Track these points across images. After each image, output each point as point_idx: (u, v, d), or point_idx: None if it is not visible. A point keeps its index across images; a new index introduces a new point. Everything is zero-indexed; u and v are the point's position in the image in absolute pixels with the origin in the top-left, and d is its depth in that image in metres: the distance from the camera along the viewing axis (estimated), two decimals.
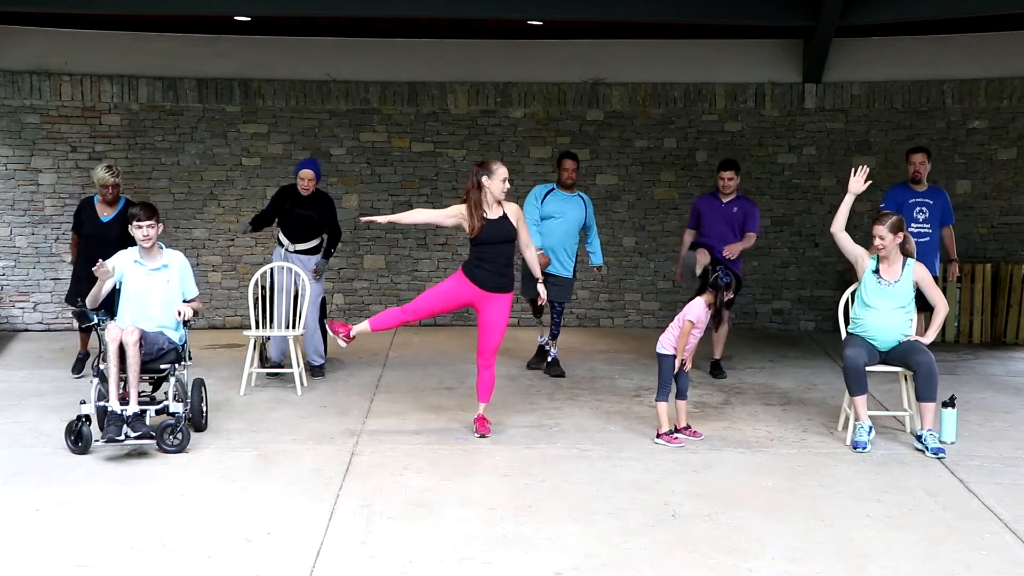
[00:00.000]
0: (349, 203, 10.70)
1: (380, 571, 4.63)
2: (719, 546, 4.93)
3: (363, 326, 6.75)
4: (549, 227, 8.44)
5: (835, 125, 10.68)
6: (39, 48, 10.28)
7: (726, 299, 6.67)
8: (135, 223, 6.64)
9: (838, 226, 6.77)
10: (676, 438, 6.59)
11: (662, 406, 6.62)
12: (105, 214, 8.25)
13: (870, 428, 6.48)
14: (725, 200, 8.62)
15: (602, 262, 9.01)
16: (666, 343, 6.66)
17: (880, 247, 6.63)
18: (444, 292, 6.74)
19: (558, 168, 8.66)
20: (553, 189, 8.56)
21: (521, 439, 6.70)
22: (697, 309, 6.62)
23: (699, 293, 6.79)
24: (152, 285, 6.66)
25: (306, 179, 8.32)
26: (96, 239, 8.09)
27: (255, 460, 6.22)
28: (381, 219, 6.79)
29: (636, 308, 10.96)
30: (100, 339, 6.59)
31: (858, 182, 6.77)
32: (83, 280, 8.19)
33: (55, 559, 4.71)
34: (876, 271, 6.69)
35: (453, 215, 6.74)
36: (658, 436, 6.62)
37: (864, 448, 6.39)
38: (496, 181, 6.59)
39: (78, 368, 8.41)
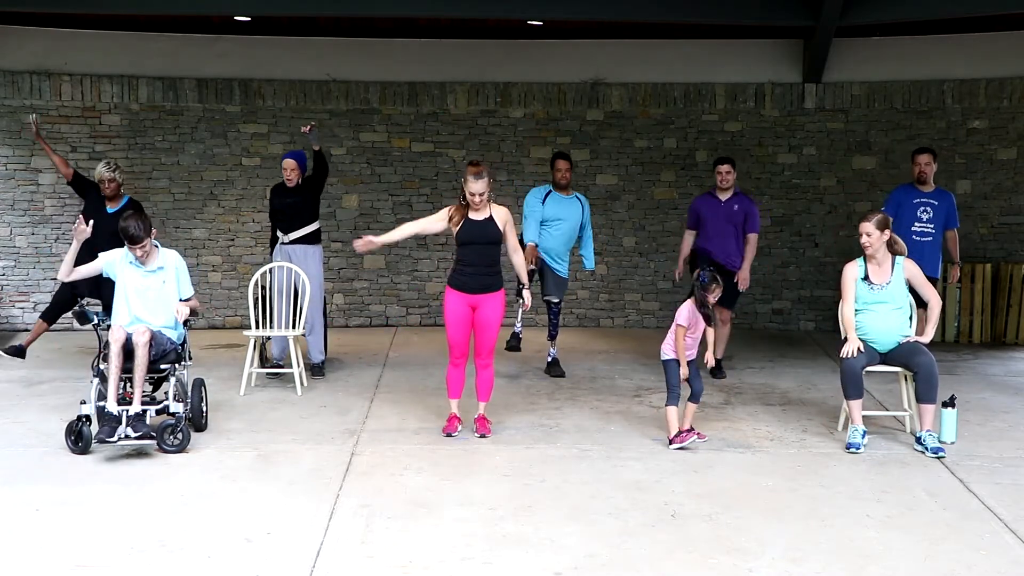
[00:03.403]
0: (349, 203, 10.71)
1: (380, 571, 4.63)
2: (719, 546, 4.93)
3: (453, 404, 6.80)
4: (550, 231, 8.38)
5: (835, 125, 10.68)
6: (39, 48, 10.29)
7: (711, 296, 6.56)
8: (129, 246, 6.53)
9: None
10: (684, 439, 6.59)
11: (671, 411, 6.56)
12: (110, 206, 8.27)
13: (864, 432, 6.44)
14: (724, 198, 8.58)
15: (594, 267, 8.96)
16: (666, 348, 6.65)
17: (867, 244, 6.60)
18: (454, 316, 6.67)
19: (552, 169, 8.56)
20: (551, 192, 8.47)
21: (521, 439, 6.70)
22: (685, 312, 6.59)
23: (691, 295, 6.76)
24: (149, 286, 6.64)
25: (288, 169, 8.31)
26: (97, 227, 8.05)
27: (255, 460, 6.22)
28: (377, 241, 6.71)
29: (636, 308, 10.96)
30: (100, 339, 6.59)
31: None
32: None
33: (55, 559, 4.71)
34: (865, 278, 6.66)
35: (440, 217, 6.72)
36: (671, 442, 6.55)
37: (857, 449, 6.37)
38: (466, 190, 6.59)
39: (17, 353, 8.28)
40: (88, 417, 6.26)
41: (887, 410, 7.31)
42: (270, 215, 8.62)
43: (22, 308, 10.49)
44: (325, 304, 8.93)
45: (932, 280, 7.79)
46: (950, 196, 8.59)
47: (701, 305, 6.56)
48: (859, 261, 6.73)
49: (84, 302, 7.50)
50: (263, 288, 8.33)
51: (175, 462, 6.13)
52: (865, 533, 5.12)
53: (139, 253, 6.55)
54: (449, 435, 6.68)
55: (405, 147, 10.73)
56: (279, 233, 8.43)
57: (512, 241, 6.82)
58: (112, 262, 6.71)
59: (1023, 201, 10.67)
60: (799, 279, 10.85)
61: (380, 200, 10.78)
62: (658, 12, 9.32)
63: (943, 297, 7.01)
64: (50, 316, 8.38)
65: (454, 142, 10.73)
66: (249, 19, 9.93)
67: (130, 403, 6.28)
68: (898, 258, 6.70)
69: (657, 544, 4.96)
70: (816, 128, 10.69)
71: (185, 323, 6.73)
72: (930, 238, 8.32)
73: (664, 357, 6.65)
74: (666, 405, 6.61)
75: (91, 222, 6.89)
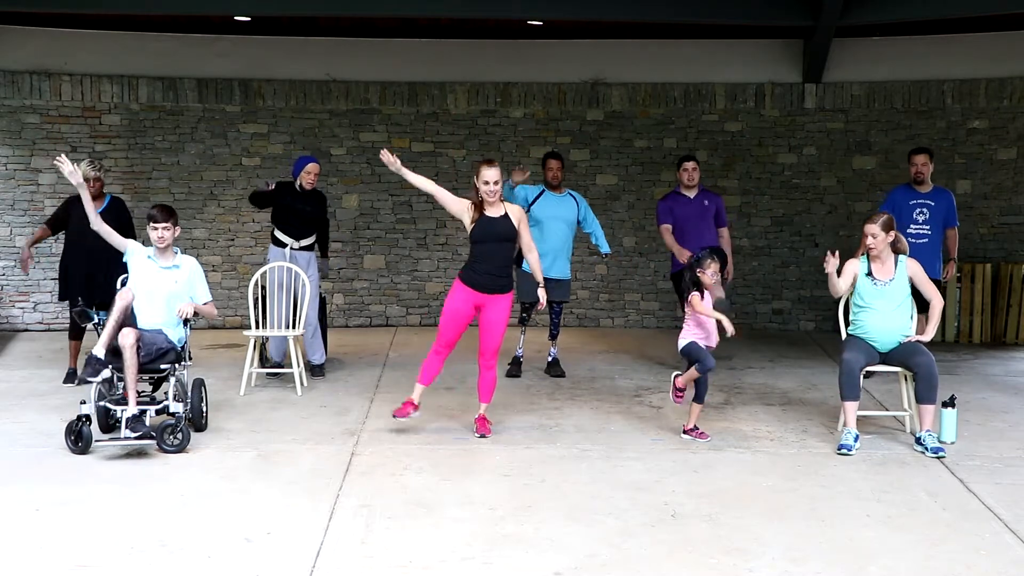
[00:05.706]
0: (349, 203, 10.72)
1: (380, 571, 4.63)
2: (719, 546, 4.93)
3: (417, 390, 6.78)
4: (546, 230, 8.37)
5: (835, 125, 10.68)
6: (39, 48, 10.29)
7: (708, 272, 6.61)
8: (151, 224, 6.72)
9: (836, 290, 6.72)
10: (702, 434, 6.65)
11: (696, 407, 6.69)
12: (95, 207, 8.22)
13: (856, 436, 6.40)
14: (692, 195, 8.64)
15: (609, 249, 8.89)
16: (686, 334, 6.68)
17: (872, 246, 6.62)
18: (454, 311, 6.67)
19: (543, 168, 8.60)
20: (543, 192, 8.48)
21: (521, 439, 6.70)
22: (694, 294, 6.67)
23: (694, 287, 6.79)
24: (160, 283, 6.68)
25: (312, 173, 8.29)
26: (87, 232, 8.03)
27: (255, 460, 6.21)
28: (401, 169, 6.71)
29: (636, 308, 10.96)
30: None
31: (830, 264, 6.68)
32: (74, 277, 8.08)
33: (55, 559, 4.70)
34: (869, 273, 6.68)
35: (460, 201, 6.74)
36: (684, 432, 6.69)
37: (848, 451, 6.32)
38: (479, 183, 6.63)
39: (70, 379, 8.07)
40: (88, 417, 6.26)
41: (887, 410, 7.31)
42: (276, 211, 8.34)
43: (22, 308, 10.50)
44: (325, 305, 8.92)
45: (933, 281, 7.78)
46: (949, 194, 8.58)
47: (694, 283, 6.62)
48: (863, 258, 6.75)
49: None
50: (263, 288, 8.32)
51: (175, 462, 6.13)
52: (865, 533, 5.12)
53: (158, 235, 6.68)
54: (395, 418, 6.70)
55: (405, 147, 10.72)
56: (287, 238, 8.32)
57: (526, 239, 6.82)
58: (133, 252, 6.79)
59: (1023, 201, 10.67)
60: (799, 279, 10.85)
61: (380, 200, 10.78)
62: (658, 12, 9.33)
63: (943, 296, 7.00)
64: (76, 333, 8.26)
65: (454, 142, 10.74)
66: (249, 19, 9.93)
67: (126, 403, 6.28)
68: (901, 256, 6.71)
69: (657, 544, 4.96)
70: (816, 128, 10.69)
71: (187, 323, 6.73)
72: (926, 239, 8.29)
73: (682, 344, 6.69)
74: (693, 401, 6.70)
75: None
